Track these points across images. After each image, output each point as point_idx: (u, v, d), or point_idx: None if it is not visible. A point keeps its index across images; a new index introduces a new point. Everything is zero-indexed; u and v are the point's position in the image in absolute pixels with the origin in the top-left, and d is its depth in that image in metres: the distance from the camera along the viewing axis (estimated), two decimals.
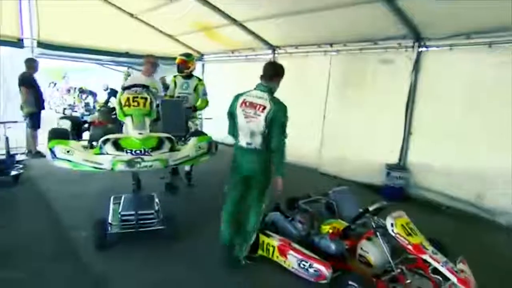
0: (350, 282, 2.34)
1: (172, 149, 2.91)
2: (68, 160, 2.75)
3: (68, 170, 2.89)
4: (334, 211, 3.32)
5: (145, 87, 3.34)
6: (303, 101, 6.08)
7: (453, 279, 2.24)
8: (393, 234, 2.47)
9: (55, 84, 14.40)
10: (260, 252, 3.01)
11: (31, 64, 5.97)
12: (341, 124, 5.74)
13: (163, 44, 7.71)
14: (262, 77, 2.81)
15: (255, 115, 2.69)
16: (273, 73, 2.80)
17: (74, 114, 11.82)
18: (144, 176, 4.14)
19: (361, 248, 2.67)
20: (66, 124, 3.73)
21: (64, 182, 4.72)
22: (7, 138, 4.88)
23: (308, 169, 6.10)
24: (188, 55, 4.88)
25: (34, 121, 5.96)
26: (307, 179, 5.45)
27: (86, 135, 3.95)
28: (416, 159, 4.86)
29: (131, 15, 7.21)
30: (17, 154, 5.30)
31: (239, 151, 2.88)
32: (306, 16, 5.09)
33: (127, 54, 7.62)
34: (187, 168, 4.93)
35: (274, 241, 2.90)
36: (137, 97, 3.12)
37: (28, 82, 5.82)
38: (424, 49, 4.69)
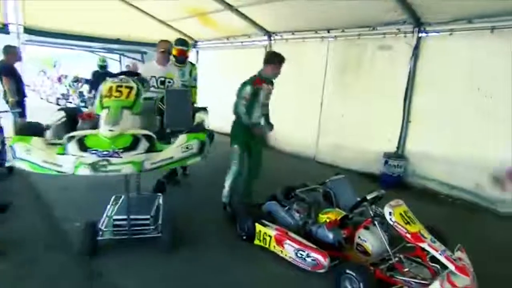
0: (347, 271, 2.32)
1: (150, 150, 2.35)
2: (27, 161, 2.26)
3: None
4: (331, 200, 3.28)
5: (136, 75, 3.07)
6: (299, 89, 5.98)
7: (451, 267, 2.23)
8: (391, 223, 2.44)
9: (45, 72, 14.07)
10: (256, 241, 2.98)
11: (13, 51, 5.28)
12: (339, 112, 5.65)
13: (155, 30, 7.46)
14: None
15: None
16: (263, 61, 3.46)
17: (68, 104, 11.43)
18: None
19: (359, 237, 2.66)
20: (60, 116, 3.18)
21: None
22: (1, 128, 4.70)
23: (305, 158, 6.04)
24: (184, 43, 4.54)
25: (22, 109, 5.76)
26: (304, 168, 5.39)
27: None
28: (415, 147, 4.81)
29: None
30: None
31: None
32: (302, 1, 4.94)
33: (118, 41, 7.41)
34: None
35: (271, 230, 2.88)
36: (121, 85, 2.65)
37: (8, 72, 5.20)
38: (424, 34, 4.58)
